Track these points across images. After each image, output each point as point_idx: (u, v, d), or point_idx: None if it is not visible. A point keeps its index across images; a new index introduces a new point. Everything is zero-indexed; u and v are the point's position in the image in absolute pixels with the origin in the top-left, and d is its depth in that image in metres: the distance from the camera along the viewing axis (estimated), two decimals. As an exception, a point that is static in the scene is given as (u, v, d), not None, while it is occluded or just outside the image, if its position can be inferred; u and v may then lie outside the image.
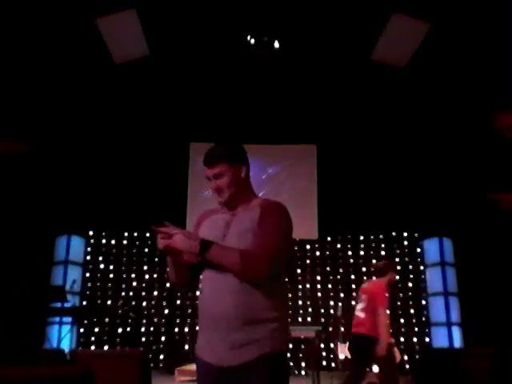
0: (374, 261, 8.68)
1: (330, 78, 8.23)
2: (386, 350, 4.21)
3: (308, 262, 8.78)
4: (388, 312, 4.51)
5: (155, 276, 8.58)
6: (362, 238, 8.84)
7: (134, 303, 8.44)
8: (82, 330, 8.24)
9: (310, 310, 8.54)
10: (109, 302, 8.42)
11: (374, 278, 4.91)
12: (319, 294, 8.60)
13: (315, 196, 8.93)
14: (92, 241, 8.70)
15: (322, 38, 7.59)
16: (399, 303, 8.42)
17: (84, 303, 8.37)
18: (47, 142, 7.73)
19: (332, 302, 8.53)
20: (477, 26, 6.58)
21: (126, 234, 8.76)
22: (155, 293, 8.51)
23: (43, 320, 7.55)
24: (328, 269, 8.73)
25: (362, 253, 8.76)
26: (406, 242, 8.76)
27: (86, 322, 8.26)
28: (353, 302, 8.51)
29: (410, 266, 8.62)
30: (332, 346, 8.16)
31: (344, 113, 8.62)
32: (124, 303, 8.44)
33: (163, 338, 8.29)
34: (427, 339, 8.18)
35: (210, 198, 9.56)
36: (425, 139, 8.30)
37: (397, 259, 8.67)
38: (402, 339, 8.19)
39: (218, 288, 1.94)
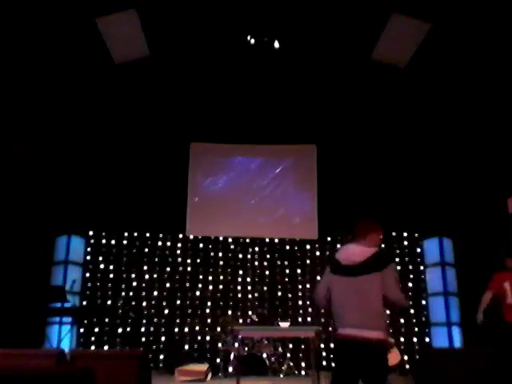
0: None
1: (331, 78, 8.23)
2: None
3: (308, 262, 8.79)
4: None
5: (155, 276, 8.58)
6: (362, 238, 8.81)
7: (133, 303, 8.44)
8: (82, 330, 8.23)
9: (309, 309, 8.55)
10: (109, 302, 8.42)
11: None
12: (319, 294, 8.59)
13: (315, 196, 8.94)
14: (92, 241, 8.69)
15: (323, 38, 7.60)
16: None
17: (84, 303, 8.36)
18: (47, 142, 7.74)
19: (332, 302, 8.51)
20: (477, 25, 6.58)
21: (125, 234, 8.75)
22: (155, 293, 8.50)
23: (43, 320, 7.55)
24: (328, 269, 8.72)
25: (362, 253, 8.74)
26: (406, 242, 8.76)
27: (86, 321, 8.25)
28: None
29: (410, 266, 8.61)
30: (332, 346, 8.15)
31: (344, 113, 8.62)
32: (124, 303, 8.44)
33: (163, 338, 8.29)
34: (427, 339, 8.18)
35: (210, 198, 9.52)
36: (425, 139, 8.30)
37: (397, 259, 8.67)
38: (402, 339, 8.19)
39: None
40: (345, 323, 3.11)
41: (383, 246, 8.73)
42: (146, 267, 8.61)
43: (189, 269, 8.68)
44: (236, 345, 7.29)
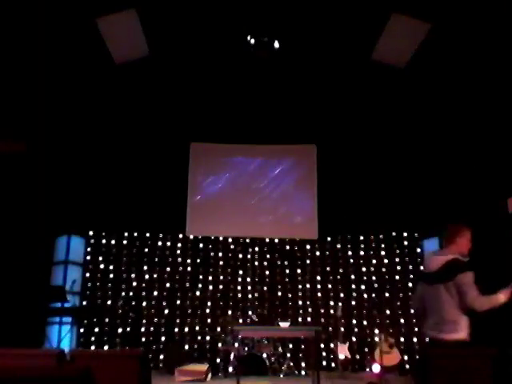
0: (374, 261, 8.68)
1: (331, 78, 8.22)
2: None
3: (308, 261, 8.79)
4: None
5: (155, 276, 8.58)
6: (362, 238, 8.84)
7: (134, 303, 8.44)
8: (82, 330, 8.24)
9: (309, 310, 8.55)
10: (109, 302, 8.42)
11: None
12: (319, 294, 8.61)
13: (315, 196, 8.94)
14: (92, 241, 8.70)
15: (322, 38, 7.59)
16: (399, 303, 8.42)
17: (84, 303, 8.36)
18: (47, 142, 7.73)
19: (332, 302, 8.53)
20: (477, 25, 6.58)
21: (125, 234, 8.76)
22: (155, 293, 8.51)
23: (43, 320, 7.55)
24: (328, 269, 8.74)
25: (362, 253, 8.76)
26: (405, 242, 8.76)
27: (85, 321, 8.25)
28: (353, 302, 8.52)
29: (410, 266, 8.61)
30: (332, 345, 8.16)
31: (344, 113, 8.62)
32: (124, 303, 8.44)
33: (163, 338, 8.30)
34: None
35: (210, 198, 9.51)
36: (425, 139, 8.30)
37: (397, 259, 8.68)
38: (402, 339, 8.19)
39: None
40: (426, 326, 3.54)
41: (383, 246, 8.77)
42: (146, 267, 8.61)
43: (189, 269, 8.68)
44: (236, 345, 7.30)
